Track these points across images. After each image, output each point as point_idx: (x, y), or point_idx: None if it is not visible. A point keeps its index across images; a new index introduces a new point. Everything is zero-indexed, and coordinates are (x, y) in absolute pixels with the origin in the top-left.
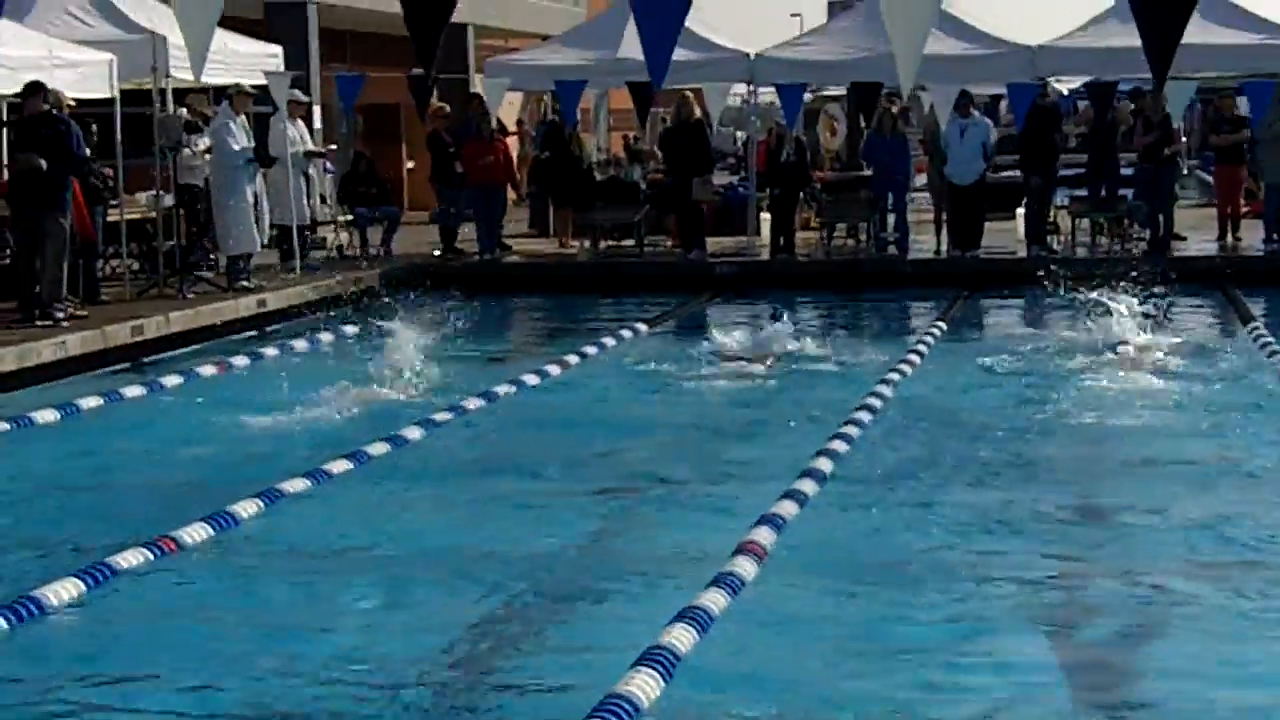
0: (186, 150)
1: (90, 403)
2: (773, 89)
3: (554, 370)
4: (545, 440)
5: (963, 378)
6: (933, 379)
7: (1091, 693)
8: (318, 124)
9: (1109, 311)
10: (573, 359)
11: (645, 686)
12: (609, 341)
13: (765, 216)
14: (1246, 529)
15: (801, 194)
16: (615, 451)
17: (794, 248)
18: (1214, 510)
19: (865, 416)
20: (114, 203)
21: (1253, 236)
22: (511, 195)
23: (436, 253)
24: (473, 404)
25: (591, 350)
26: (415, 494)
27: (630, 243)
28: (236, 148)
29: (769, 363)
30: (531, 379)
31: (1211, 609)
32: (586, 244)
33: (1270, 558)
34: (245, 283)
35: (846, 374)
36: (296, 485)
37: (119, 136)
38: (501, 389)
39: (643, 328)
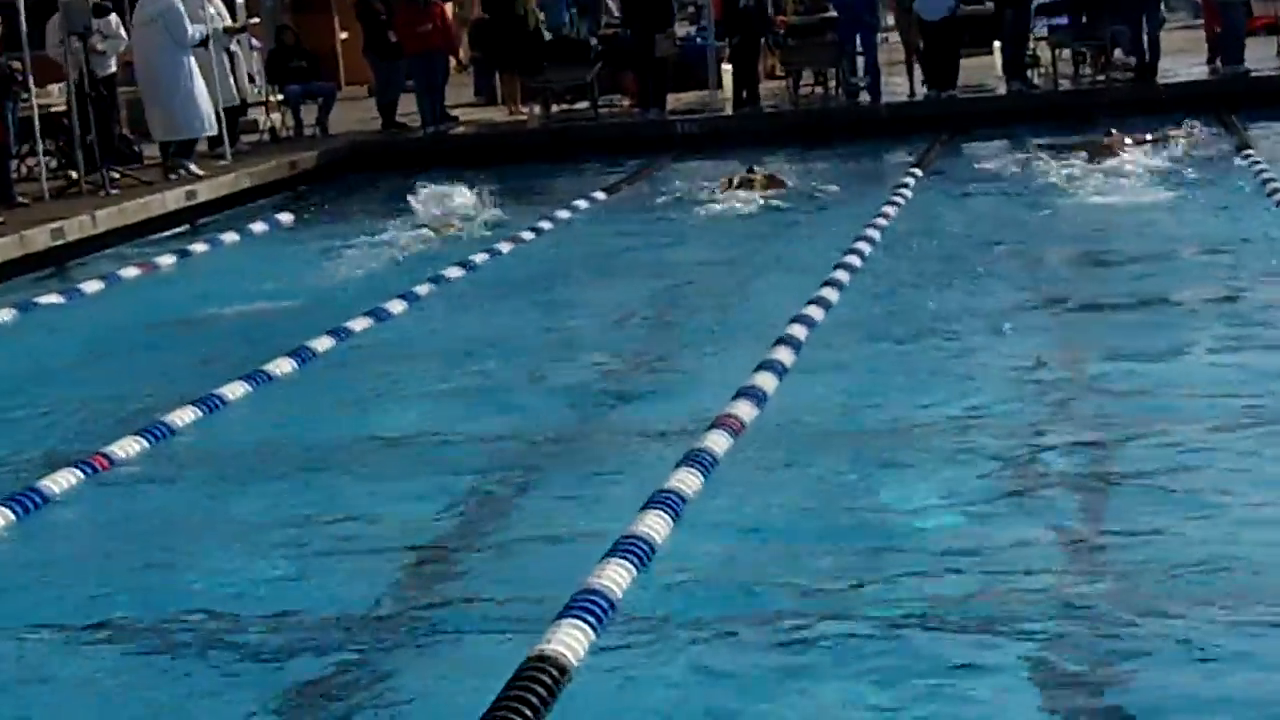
0: (96, 35)
1: (4, 315)
2: None
3: (506, 248)
4: (503, 323)
5: (946, 223)
6: (915, 227)
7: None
8: None
9: (1098, 150)
10: (527, 234)
11: (618, 575)
12: (562, 214)
13: (727, 68)
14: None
15: (764, 41)
16: (582, 330)
17: (759, 99)
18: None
19: (844, 275)
20: (24, 97)
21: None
22: (453, 62)
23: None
24: (423, 289)
25: (546, 225)
26: (366, 386)
27: (585, 105)
28: (193, 29)
29: (736, 222)
30: (482, 258)
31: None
32: (537, 109)
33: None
34: (193, 168)
35: (824, 226)
36: (236, 390)
37: (24, 27)
38: (452, 271)
39: (600, 195)
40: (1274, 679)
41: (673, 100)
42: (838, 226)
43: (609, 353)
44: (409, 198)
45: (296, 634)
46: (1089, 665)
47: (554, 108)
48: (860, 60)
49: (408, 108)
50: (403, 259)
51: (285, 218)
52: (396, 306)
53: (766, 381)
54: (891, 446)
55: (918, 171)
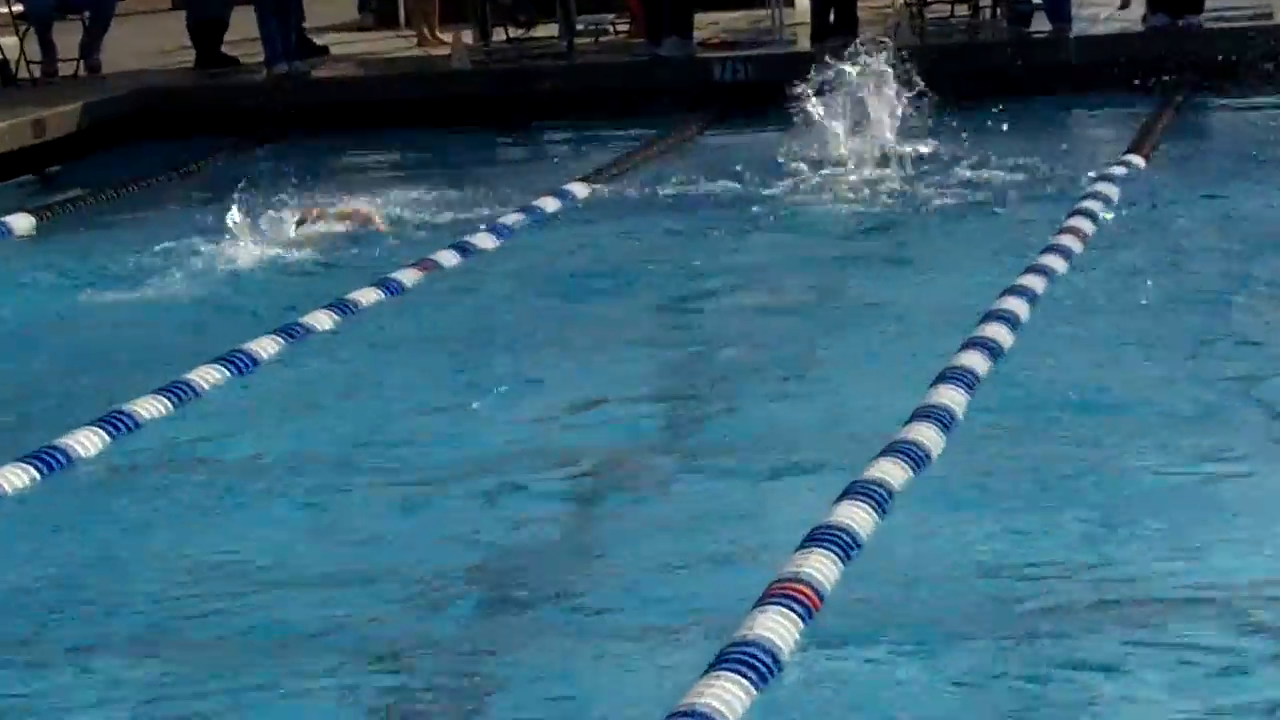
0: None
1: None
2: None
3: (412, 279)
4: (400, 425)
5: (1186, 263)
6: (1126, 266)
7: None
8: None
9: None
10: (448, 257)
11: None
12: (511, 220)
13: None
14: None
15: None
16: (529, 440)
17: (856, 24)
18: None
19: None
20: None
21: None
22: None
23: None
24: (265, 347)
25: (482, 240)
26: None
27: (550, 34)
28: None
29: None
30: (369, 298)
31: None
32: (466, 38)
33: None
34: None
35: (968, 257)
36: None
37: None
38: (317, 320)
39: (577, 189)
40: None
41: (705, 24)
42: (987, 256)
43: (557, 503)
44: (238, 192)
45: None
46: None
47: (496, 36)
48: None
49: (242, 32)
50: (228, 301)
51: (19, 222)
52: (210, 377)
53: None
54: None
55: (1134, 160)
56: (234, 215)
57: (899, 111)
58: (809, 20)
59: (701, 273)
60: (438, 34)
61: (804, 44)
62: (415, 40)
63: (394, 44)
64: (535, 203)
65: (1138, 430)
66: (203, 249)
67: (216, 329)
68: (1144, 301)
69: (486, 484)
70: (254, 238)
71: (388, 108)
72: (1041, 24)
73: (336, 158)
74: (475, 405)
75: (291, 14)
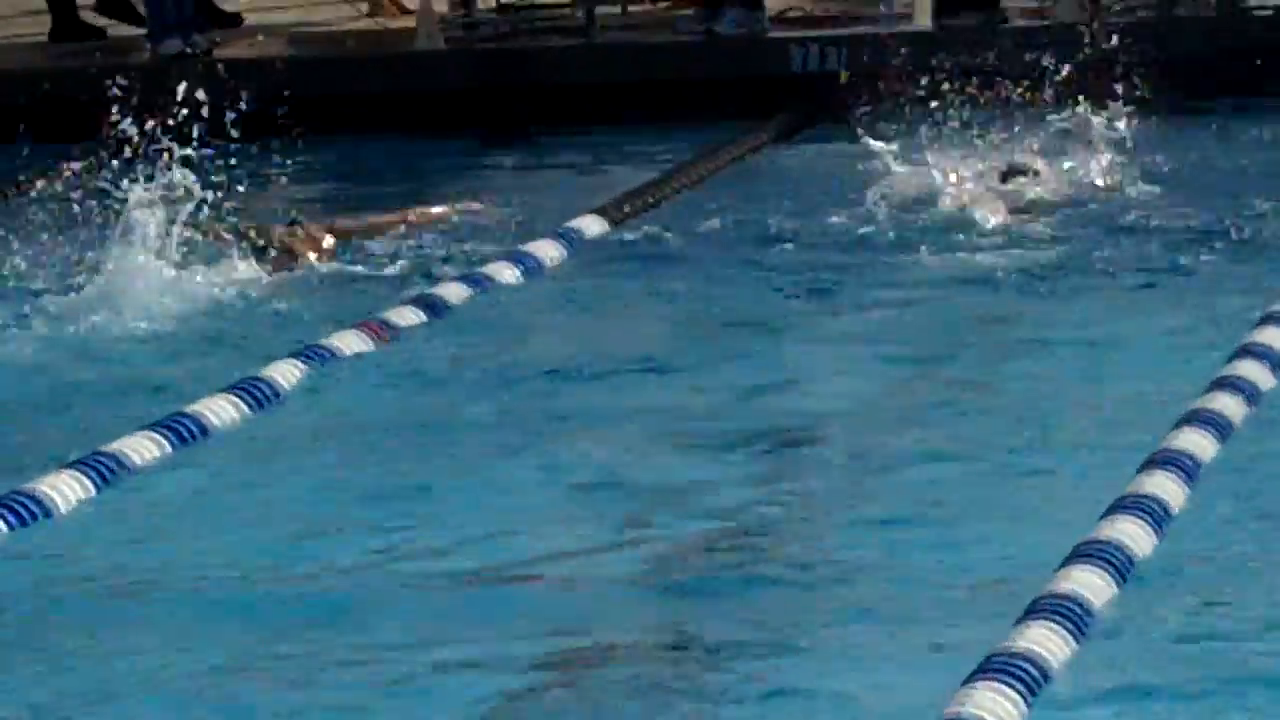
0: None
1: None
2: None
3: (361, 345)
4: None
5: None
6: None
7: None
8: None
9: None
10: (409, 316)
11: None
12: (504, 276)
13: None
14: None
15: None
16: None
17: None
18: None
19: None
20: None
21: None
22: None
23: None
24: (140, 449)
25: (456, 292)
26: None
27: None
28: None
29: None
30: (288, 375)
31: None
32: (440, 4)
33: None
34: None
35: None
36: None
37: None
38: (215, 413)
39: (592, 226)
40: None
41: None
42: (1176, 338)
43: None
44: (95, 221)
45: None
46: None
47: (483, 1)
48: None
49: None
50: (103, 366)
51: None
52: (65, 486)
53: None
54: None
55: None
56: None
57: (1061, 123)
58: None
59: (771, 355)
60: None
61: (923, 21)
62: (366, 6)
63: (336, 11)
64: (527, 247)
65: None
66: (35, 306)
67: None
68: None
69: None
70: (120, 284)
71: (324, 104)
72: None
73: (247, 173)
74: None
75: None
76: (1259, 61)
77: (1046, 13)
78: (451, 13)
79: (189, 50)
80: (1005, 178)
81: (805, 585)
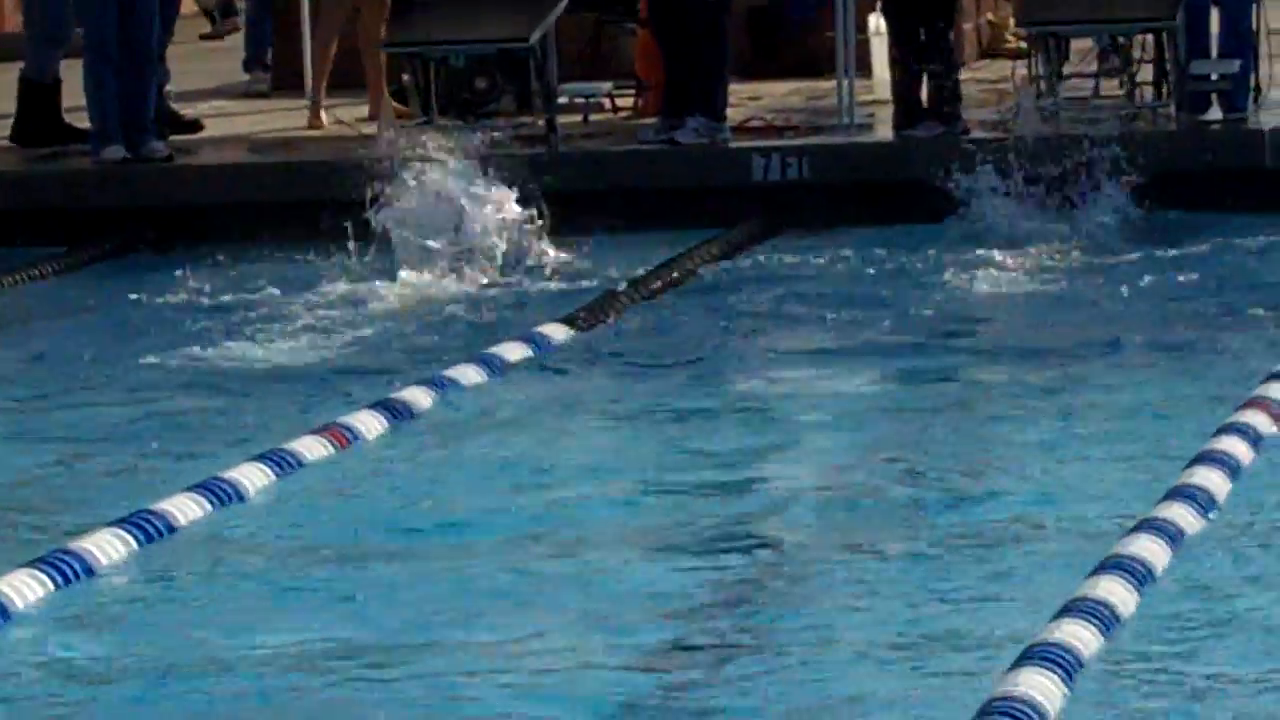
0: None
1: None
2: None
3: (308, 450)
4: None
5: None
6: None
7: None
8: None
9: None
10: (368, 426)
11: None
12: (462, 372)
13: (876, 27)
14: None
15: None
16: None
17: (959, 105)
18: None
19: None
20: None
21: None
22: None
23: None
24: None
25: (422, 403)
26: None
27: (521, 116)
28: None
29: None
30: (257, 476)
31: None
32: (398, 119)
33: None
34: None
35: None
36: None
37: None
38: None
39: (556, 334)
40: None
41: (743, 98)
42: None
43: None
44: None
45: None
46: None
47: (436, 110)
48: (1216, 29)
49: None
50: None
51: None
52: None
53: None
54: None
55: None
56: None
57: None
58: (892, 95)
59: (738, 478)
60: (321, 110)
61: (884, 130)
62: (309, 116)
63: (300, 118)
64: (494, 350)
65: None
66: None
67: None
68: None
69: None
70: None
71: (280, 212)
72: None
73: (199, 285)
74: None
75: (143, 69)
76: (1218, 175)
77: (1008, 127)
78: (410, 119)
79: (140, 154)
80: None
81: (755, 679)
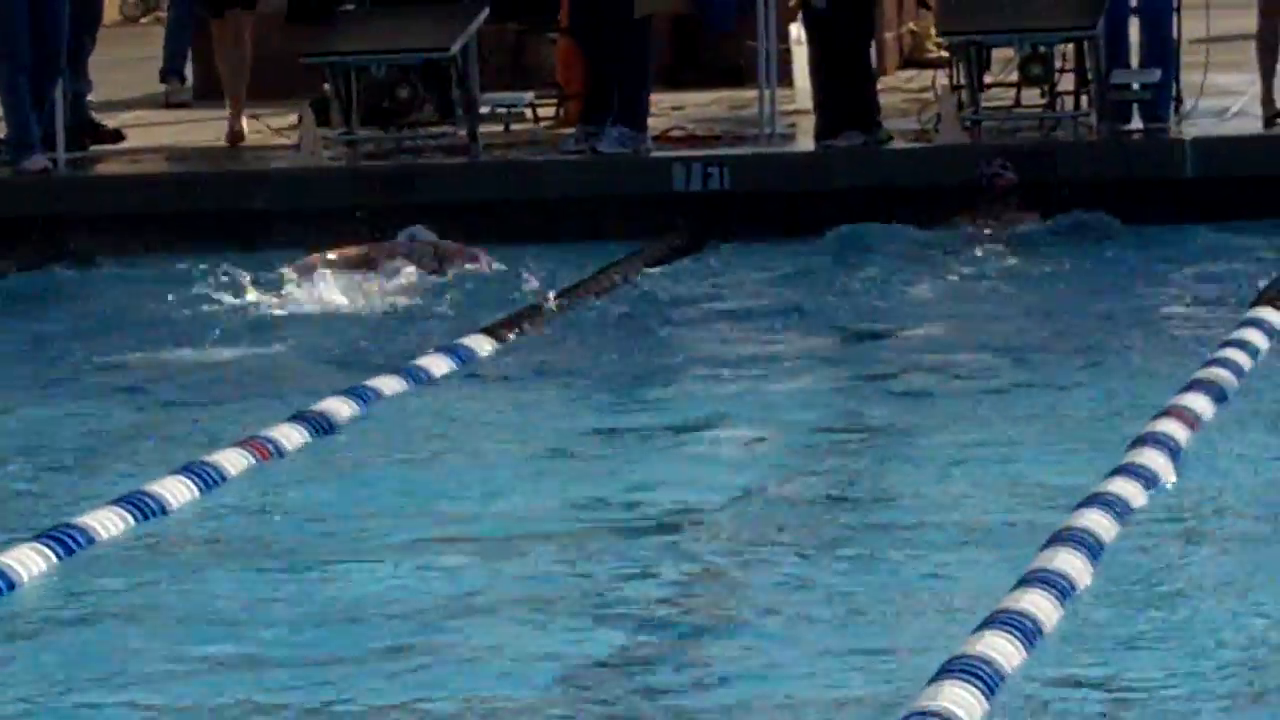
0: None
1: None
2: None
3: (230, 463)
4: None
5: None
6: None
7: None
8: None
9: None
10: (288, 438)
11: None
12: (384, 382)
13: (798, 36)
14: None
15: None
16: None
17: (877, 114)
18: None
19: None
20: None
21: None
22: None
23: None
24: None
25: (343, 413)
26: None
27: (442, 125)
28: None
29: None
30: (180, 490)
31: None
32: (317, 130)
33: None
34: None
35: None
36: None
37: None
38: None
39: (481, 346)
40: None
41: (665, 108)
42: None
43: None
44: None
45: None
46: None
47: (353, 124)
48: (1138, 37)
49: None
50: None
51: None
52: None
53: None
54: None
55: (1266, 316)
56: None
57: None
58: (814, 105)
59: (662, 488)
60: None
61: (805, 140)
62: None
63: (210, 129)
64: (416, 362)
65: None
66: None
67: None
68: None
69: None
70: None
71: (204, 221)
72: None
73: (126, 292)
74: None
75: (59, 77)
76: (1139, 185)
77: (929, 136)
78: (333, 130)
79: (52, 164)
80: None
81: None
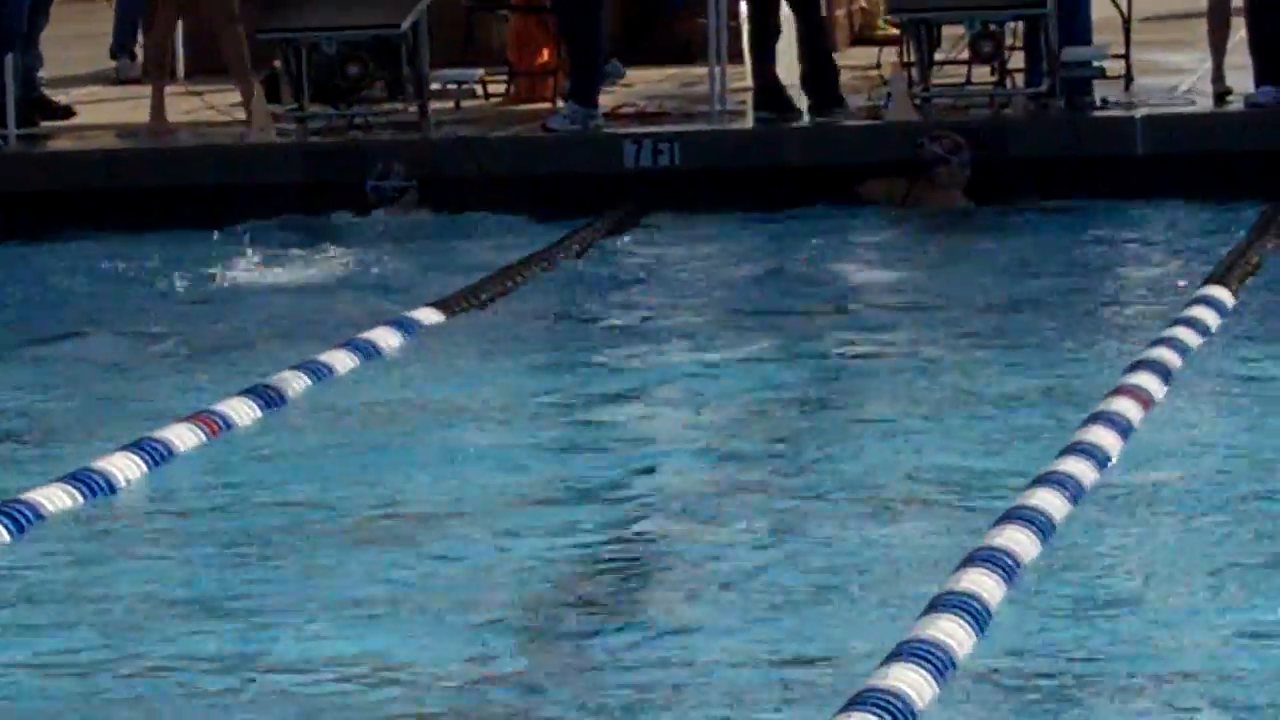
0: None
1: None
2: None
3: (178, 438)
4: None
5: None
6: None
7: None
8: None
9: None
10: (239, 413)
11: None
12: (334, 357)
13: (749, 13)
14: None
15: None
16: None
17: (837, 91)
18: None
19: None
20: None
21: None
22: None
23: None
24: None
25: (295, 387)
26: None
27: (389, 101)
28: None
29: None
30: (127, 465)
31: None
32: (271, 105)
33: None
34: None
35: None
36: None
37: None
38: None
39: (428, 316)
40: None
41: (616, 86)
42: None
43: None
44: None
45: None
46: None
47: (308, 97)
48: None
49: None
50: None
51: None
52: None
53: None
54: None
55: (1216, 294)
56: None
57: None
58: (754, 82)
59: (610, 461)
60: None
61: (749, 117)
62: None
63: (173, 105)
64: (366, 335)
65: None
66: None
67: None
68: None
69: None
70: None
71: (158, 197)
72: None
73: (76, 268)
74: None
75: (14, 54)
76: (1090, 162)
77: (880, 113)
78: (284, 106)
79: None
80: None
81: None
